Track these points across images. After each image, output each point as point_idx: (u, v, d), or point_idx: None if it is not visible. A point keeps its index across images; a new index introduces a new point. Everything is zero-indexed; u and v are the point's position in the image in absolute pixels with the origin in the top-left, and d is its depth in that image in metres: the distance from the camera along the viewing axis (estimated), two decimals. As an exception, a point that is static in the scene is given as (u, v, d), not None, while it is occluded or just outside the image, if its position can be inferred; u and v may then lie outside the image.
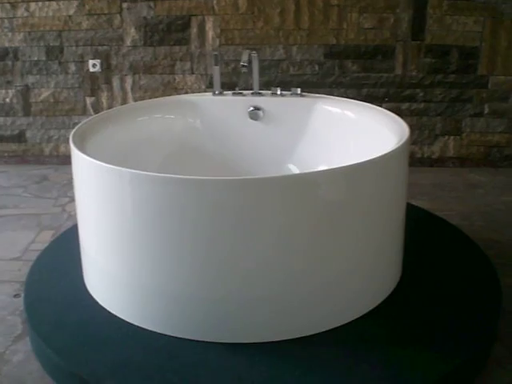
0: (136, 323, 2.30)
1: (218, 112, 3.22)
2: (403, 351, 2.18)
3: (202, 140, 3.22)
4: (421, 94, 4.24)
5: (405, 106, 4.24)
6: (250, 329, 2.22)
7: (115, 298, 2.39)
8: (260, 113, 3.16)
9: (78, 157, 2.33)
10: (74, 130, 2.54)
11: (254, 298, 2.17)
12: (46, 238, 3.20)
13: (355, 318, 2.33)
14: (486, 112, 4.28)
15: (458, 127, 4.30)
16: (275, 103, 3.19)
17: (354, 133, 3.00)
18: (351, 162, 2.17)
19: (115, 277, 2.34)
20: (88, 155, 2.27)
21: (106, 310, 2.42)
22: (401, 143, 2.35)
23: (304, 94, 3.22)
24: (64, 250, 2.93)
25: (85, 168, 2.31)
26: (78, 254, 2.71)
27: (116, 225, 2.24)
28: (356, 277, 2.31)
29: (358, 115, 3.03)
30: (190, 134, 3.19)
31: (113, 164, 2.17)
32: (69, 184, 4.03)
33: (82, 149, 2.36)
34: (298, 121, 3.19)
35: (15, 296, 2.71)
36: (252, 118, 3.17)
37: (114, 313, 2.37)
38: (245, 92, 3.23)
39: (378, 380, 2.03)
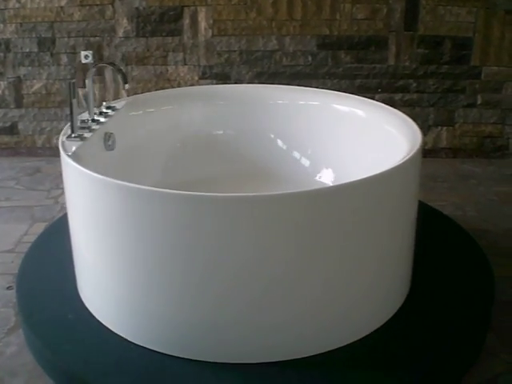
0: (124, 335, 2.25)
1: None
2: (399, 347, 2.19)
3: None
4: (414, 85, 4.24)
5: (398, 96, 4.24)
6: (244, 349, 2.14)
7: (104, 309, 2.33)
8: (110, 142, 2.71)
9: (66, 163, 2.28)
10: (62, 132, 2.49)
11: (250, 317, 2.09)
12: (38, 230, 3.19)
13: (366, 334, 2.25)
14: (478, 103, 4.29)
15: (451, 118, 4.30)
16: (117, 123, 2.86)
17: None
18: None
19: (105, 288, 2.28)
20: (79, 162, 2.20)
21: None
22: (413, 153, 2.23)
23: (113, 106, 2.88)
24: (54, 241, 2.92)
25: (74, 176, 2.25)
26: (69, 244, 2.71)
27: (100, 234, 2.18)
28: (362, 297, 2.23)
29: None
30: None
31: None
32: (61, 176, 4.00)
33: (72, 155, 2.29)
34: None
35: (8, 288, 2.71)
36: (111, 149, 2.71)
37: (104, 324, 2.31)
38: (93, 126, 2.64)
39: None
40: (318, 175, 3.12)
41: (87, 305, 2.40)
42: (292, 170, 3.15)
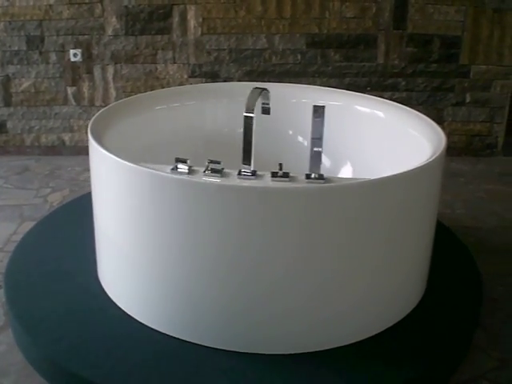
0: (146, 323, 2.29)
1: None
2: (400, 348, 2.21)
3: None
4: (403, 83, 4.25)
5: (387, 95, 4.25)
6: (266, 340, 2.18)
7: (130, 297, 2.37)
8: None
9: (96, 151, 2.30)
10: (91, 120, 2.53)
11: (273, 308, 2.14)
12: (27, 229, 3.17)
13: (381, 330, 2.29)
14: (467, 101, 4.30)
15: (440, 116, 4.31)
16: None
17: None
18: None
19: (132, 275, 2.31)
20: (108, 148, 2.25)
21: (88, 301, 2.42)
22: (439, 152, 2.28)
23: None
24: (41, 239, 2.92)
25: (105, 164, 2.28)
26: (56, 241, 2.72)
27: (132, 221, 2.22)
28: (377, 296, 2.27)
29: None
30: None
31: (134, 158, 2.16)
32: (50, 175, 4.01)
33: (101, 142, 2.33)
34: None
35: (-3, 287, 2.70)
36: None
37: (125, 309, 2.36)
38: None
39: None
40: (339, 174, 3.10)
41: (107, 291, 2.46)
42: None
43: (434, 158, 2.23)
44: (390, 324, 2.30)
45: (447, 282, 2.57)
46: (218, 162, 2.15)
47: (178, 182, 2.06)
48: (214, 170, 2.13)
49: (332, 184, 2.10)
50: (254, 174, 2.15)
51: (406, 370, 2.09)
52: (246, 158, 2.18)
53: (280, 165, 2.15)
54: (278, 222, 2.02)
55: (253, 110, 2.17)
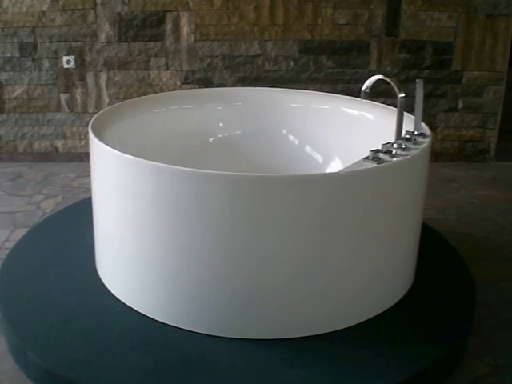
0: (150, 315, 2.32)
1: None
2: (392, 350, 2.20)
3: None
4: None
5: (379, 101, 4.24)
6: (266, 325, 2.23)
7: (131, 288, 2.41)
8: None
9: (98, 146, 2.34)
10: (92, 120, 2.56)
11: (269, 292, 2.19)
12: (20, 236, 3.16)
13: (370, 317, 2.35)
14: (460, 107, 4.32)
15: (433, 122, 4.33)
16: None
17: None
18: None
19: (131, 266, 2.35)
20: (108, 145, 2.29)
21: (84, 307, 2.41)
22: (424, 146, 2.36)
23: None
24: (34, 246, 2.91)
25: (107, 159, 2.31)
26: (49, 248, 2.71)
27: (135, 214, 2.25)
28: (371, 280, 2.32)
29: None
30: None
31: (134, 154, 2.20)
32: (43, 181, 4.00)
33: (102, 139, 2.37)
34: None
35: (-10, 294, 2.68)
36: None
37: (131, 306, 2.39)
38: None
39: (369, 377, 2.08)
40: (328, 170, 3.20)
41: (106, 283, 2.50)
42: (304, 167, 3.23)
43: (421, 148, 2.34)
44: (378, 312, 2.37)
45: (439, 288, 2.57)
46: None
47: (183, 173, 2.09)
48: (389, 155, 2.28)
49: (320, 174, 2.24)
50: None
51: (398, 374, 2.08)
52: (399, 133, 2.40)
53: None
54: (269, 209, 2.10)
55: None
